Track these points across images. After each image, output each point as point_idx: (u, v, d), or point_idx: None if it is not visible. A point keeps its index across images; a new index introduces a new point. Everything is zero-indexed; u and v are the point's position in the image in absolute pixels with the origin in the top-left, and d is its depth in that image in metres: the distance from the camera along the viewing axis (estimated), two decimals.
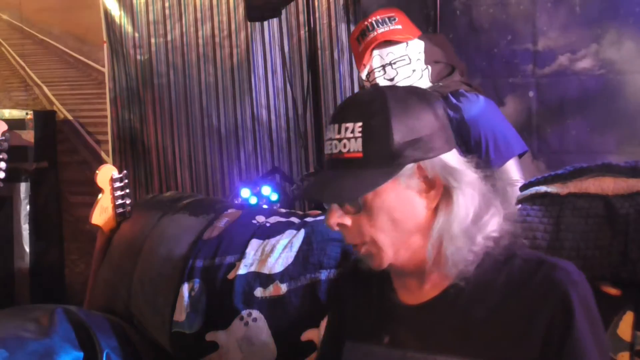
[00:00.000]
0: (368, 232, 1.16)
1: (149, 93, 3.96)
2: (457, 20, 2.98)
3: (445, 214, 1.14)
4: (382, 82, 2.27)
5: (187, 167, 3.90)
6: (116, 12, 3.98)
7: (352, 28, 3.08)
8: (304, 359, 1.81)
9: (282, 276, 1.90)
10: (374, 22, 2.27)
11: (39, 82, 4.38)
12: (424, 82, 2.28)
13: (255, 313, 1.90)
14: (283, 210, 2.36)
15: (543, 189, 1.55)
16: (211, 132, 3.79)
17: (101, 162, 4.01)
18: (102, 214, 2.35)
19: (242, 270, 1.96)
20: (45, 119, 4.19)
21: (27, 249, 4.06)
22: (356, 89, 3.34)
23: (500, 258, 1.16)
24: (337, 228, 1.18)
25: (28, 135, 4.04)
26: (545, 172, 1.77)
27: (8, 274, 4.03)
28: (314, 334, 1.81)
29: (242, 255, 2.01)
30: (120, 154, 4.09)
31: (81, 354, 1.83)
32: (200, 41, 3.77)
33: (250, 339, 1.89)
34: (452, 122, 2.23)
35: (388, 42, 2.26)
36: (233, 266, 2.00)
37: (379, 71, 2.27)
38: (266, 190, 2.93)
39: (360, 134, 1.13)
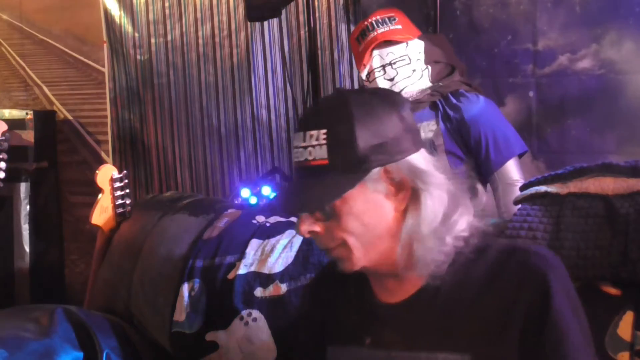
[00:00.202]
0: (339, 236, 1.16)
1: (149, 93, 3.95)
2: (457, 20, 2.97)
3: (414, 216, 1.15)
4: (382, 82, 2.27)
5: (187, 167, 3.90)
6: (116, 11, 3.98)
7: (352, 28, 3.08)
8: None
9: (282, 276, 1.90)
10: (374, 22, 2.28)
11: (38, 82, 4.38)
12: (424, 82, 2.28)
13: (255, 313, 1.89)
14: None
15: (543, 188, 1.54)
16: (211, 132, 3.79)
17: (101, 162, 4.00)
18: (102, 214, 2.35)
19: (242, 270, 1.96)
20: (45, 119, 4.19)
21: (27, 249, 4.06)
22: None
23: (471, 255, 1.16)
24: (308, 235, 1.18)
25: (28, 135, 4.04)
26: (545, 172, 1.77)
27: (8, 274, 4.04)
28: None
29: (242, 255, 2.00)
30: (120, 154, 4.09)
31: (81, 354, 1.82)
32: (200, 41, 3.76)
33: (250, 339, 1.88)
34: (452, 121, 2.26)
35: (388, 42, 2.26)
36: (233, 266, 1.99)
37: (379, 71, 2.27)
38: (266, 190, 2.92)
39: (325, 141, 1.13)
